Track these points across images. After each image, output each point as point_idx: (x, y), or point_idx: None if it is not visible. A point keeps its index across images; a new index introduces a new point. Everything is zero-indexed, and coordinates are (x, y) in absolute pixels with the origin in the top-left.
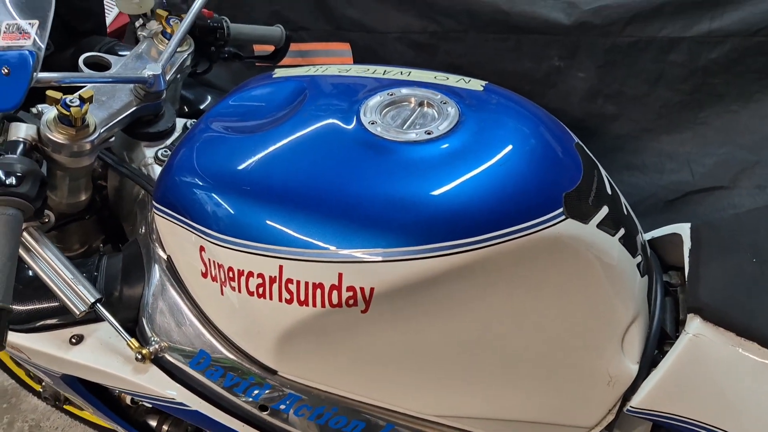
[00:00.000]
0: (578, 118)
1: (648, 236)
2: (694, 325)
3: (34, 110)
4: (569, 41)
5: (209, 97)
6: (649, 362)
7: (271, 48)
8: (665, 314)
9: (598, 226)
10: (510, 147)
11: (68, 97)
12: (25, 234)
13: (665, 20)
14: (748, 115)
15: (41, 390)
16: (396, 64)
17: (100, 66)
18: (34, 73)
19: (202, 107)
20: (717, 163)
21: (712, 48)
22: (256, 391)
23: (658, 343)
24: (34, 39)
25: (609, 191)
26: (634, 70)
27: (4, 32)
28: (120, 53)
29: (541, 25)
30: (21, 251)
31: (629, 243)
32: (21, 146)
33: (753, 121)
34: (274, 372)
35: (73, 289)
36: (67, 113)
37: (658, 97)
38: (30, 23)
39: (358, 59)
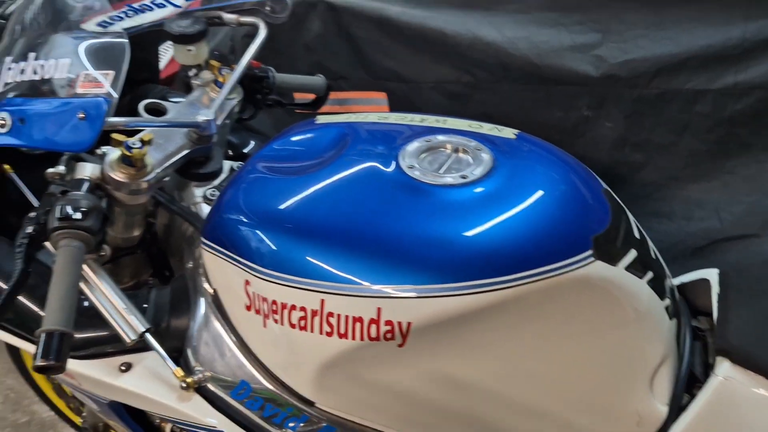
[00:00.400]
0: (607, 166)
1: (676, 281)
2: (724, 368)
3: (98, 152)
4: (597, 92)
5: (252, 142)
6: (678, 404)
7: (312, 96)
8: (694, 357)
9: (627, 268)
10: (541, 192)
11: (130, 140)
12: (84, 265)
13: (690, 73)
14: None
15: (81, 422)
16: (431, 112)
17: (157, 111)
18: (107, 118)
19: (246, 150)
20: (745, 211)
21: (738, 100)
22: (293, 423)
23: (687, 387)
24: (109, 88)
25: (637, 235)
26: (661, 120)
27: (82, 81)
28: (171, 99)
29: (570, 77)
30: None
31: (658, 286)
32: (86, 184)
33: None
34: (311, 404)
35: (125, 318)
36: (130, 154)
37: (685, 147)
38: (104, 74)
39: (394, 107)
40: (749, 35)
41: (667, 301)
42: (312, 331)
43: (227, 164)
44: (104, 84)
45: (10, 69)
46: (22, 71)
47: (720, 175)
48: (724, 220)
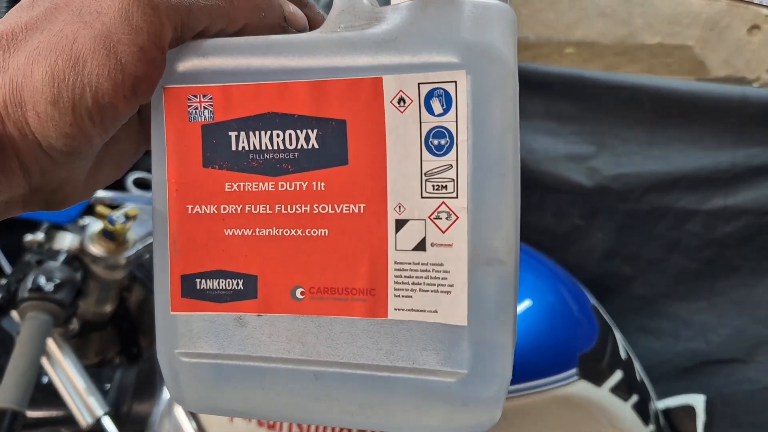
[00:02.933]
0: (597, 275)
1: (662, 404)
2: None
3: (80, 222)
4: (590, 202)
5: None
6: None
7: None
8: None
9: (612, 390)
10: (528, 302)
11: (114, 214)
12: (49, 339)
13: (681, 192)
14: (763, 290)
15: None
16: None
17: (146, 185)
18: None
19: None
20: (732, 335)
21: (727, 222)
22: None
23: None
24: None
25: (624, 356)
26: (652, 236)
27: None
28: None
29: (565, 185)
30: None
31: (642, 410)
32: (64, 255)
33: None
34: None
35: (84, 400)
36: (112, 228)
37: (674, 264)
38: None
39: None
40: (739, 161)
41: (651, 427)
42: (280, 430)
43: None
44: None
45: None
46: None
47: (708, 295)
48: (710, 342)
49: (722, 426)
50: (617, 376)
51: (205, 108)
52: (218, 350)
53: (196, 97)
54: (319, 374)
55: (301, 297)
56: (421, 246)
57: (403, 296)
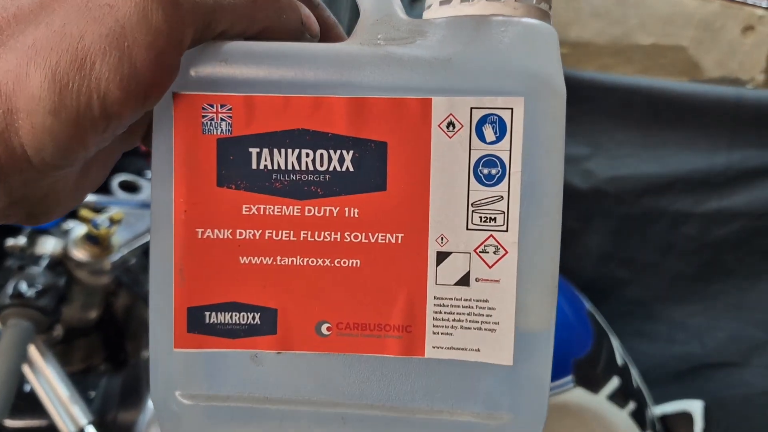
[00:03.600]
0: (591, 279)
1: (658, 410)
2: None
3: (64, 226)
4: (585, 205)
5: None
6: None
7: None
8: None
9: (608, 397)
10: None
11: (99, 218)
12: (31, 345)
13: (676, 195)
14: (758, 294)
15: None
16: None
17: (132, 188)
18: None
19: None
20: (727, 338)
21: (722, 225)
22: None
23: None
24: None
25: (620, 362)
26: (647, 239)
27: None
28: (149, 177)
29: None
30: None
31: (639, 418)
32: (46, 261)
33: (763, 299)
34: None
35: (67, 409)
36: (96, 233)
37: (670, 267)
38: None
39: None
40: (734, 163)
41: None
42: None
43: None
44: None
45: None
46: None
47: (703, 299)
48: (706, 345)
49: None
50: (614, 383)
51: (222, 119)
52: (229, 392)
53: (212, 106)
54: (347, 417)
55: (327, 333)
56: (464, 281)
57: (442, 333)
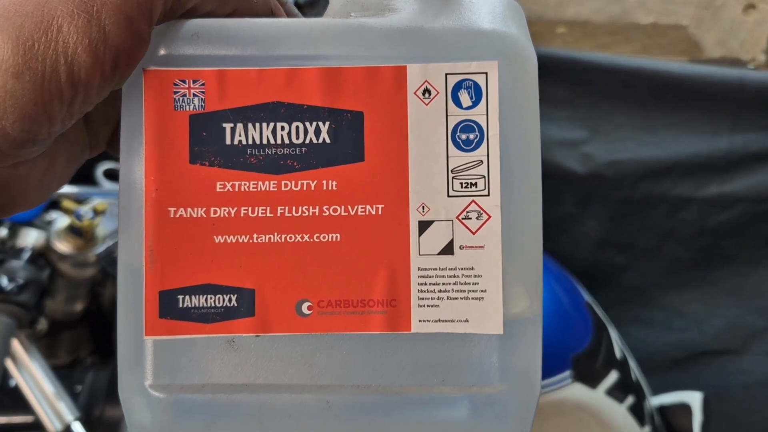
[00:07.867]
0: (589, 265)
1: (657, 402)
2: None
3: (46, 218)
4: (583, 190)
5: None
6: None
7: None
8: None
9: (607, 392)
10: None
11: (82, 209)
12: (14, 340)
13: (676, 180)
14: (758, 280)
15: None
16: None
17: (116, 177)
18: None
19: None
20: (726, 325)
21: (723, 210)
22: None
23: None
24: None
25: (618, 355)
26: (646, 224)
27: None
28: None
29: (558, 172)
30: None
31: (637, 412)
32: (28, 254)
33: (763, 286)
34: None
35: (53, 405)
36: (79, 224)
37: (668, 253)
38: None
39: None
40: (735, 147)
41: (647, 429)
42: None
43: None
44: None
45: None
46: None
47: (702, 285)
48: (704, 332)
49: (719, 426)
50: (612, 377)
51: (195, 95)
52: (205, 380)
53: (184, 82)
54: (332, 402)
55: (308, 312)
56: (448, 249)
57: (428, 306)
